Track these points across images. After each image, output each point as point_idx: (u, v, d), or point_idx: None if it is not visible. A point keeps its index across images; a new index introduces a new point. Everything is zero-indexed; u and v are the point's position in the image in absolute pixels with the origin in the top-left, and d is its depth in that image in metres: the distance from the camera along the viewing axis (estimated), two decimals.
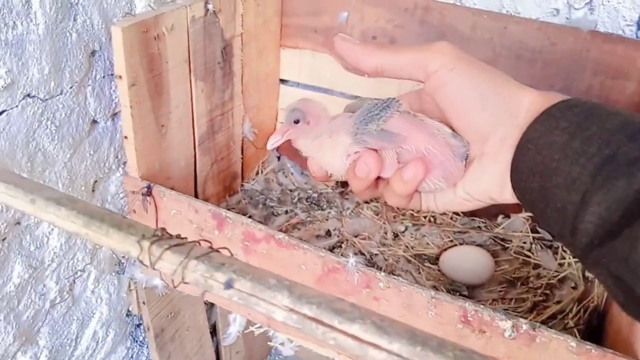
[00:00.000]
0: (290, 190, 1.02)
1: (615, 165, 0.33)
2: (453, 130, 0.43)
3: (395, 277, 0.63)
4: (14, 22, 0.51)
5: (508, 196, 0.42)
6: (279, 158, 1.05)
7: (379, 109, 0.43)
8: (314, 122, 0.45)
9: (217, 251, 0.39)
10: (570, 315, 0.81)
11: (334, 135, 0.44)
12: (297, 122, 0.45)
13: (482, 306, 0.60)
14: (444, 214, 0.99)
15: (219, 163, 0.87)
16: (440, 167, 0.43)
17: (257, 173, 1.02)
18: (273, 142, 0.47)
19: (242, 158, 0.95)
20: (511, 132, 0.39)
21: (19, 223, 0.62)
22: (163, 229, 0.41)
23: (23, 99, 0.55)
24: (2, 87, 0.52)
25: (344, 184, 1.04)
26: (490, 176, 0.42)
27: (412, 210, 1.00)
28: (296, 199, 1.00)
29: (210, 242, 0.40)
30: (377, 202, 1.01)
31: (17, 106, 0.55)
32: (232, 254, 0.39)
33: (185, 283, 0.38)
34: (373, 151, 0.42)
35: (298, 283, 0.35)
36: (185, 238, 0.40)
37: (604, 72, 0.82)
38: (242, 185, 0.98)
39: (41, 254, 0.66)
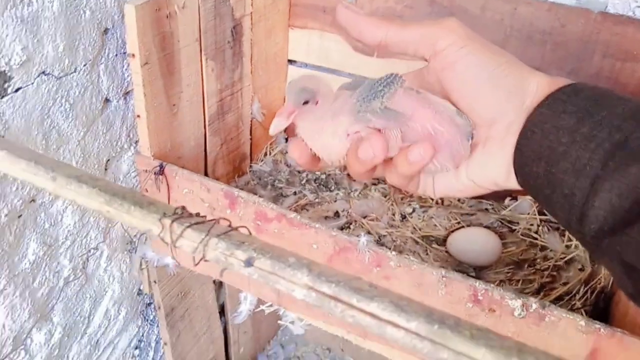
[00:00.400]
0: (299, 172, 1.02)
1: (627, 151, 0.32)
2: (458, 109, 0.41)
3: (406, 256, 0.64)
4: None
5: (513, 183, 0.40)
6: (286, 139, 1.05)
7: (382, 85, 0.40)
8: (322, 102, 0.41)
9: (237, 230, 0.40)
10: (577, 297, 0.82)
11: (336, 117, 0.40)
12: (306, 102, 0.41)
13: (492, 285, 0.61)
14: None
15: (228, 143, 0.88)
16: (447, 147, 0.41)
17: (266, 154, 1.02)
18: (277, 125, 0.41)
19: (250, 139, 0.95)
20: (518, 116, 0.38)
21: (34, 200, 0.62)
22: (183, 208, 0.41)
23: (38, 76, 0.56)
24: (18, 64, 0.53)
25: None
26: (496, 162, 0.40)
27: (407, 194, 1.00)
28: (304, 180, 1.00)
29: (229, 221, 0.41)
30: (385, 184, 1.01)
31: (32, 83, 0.55)
32: (250, 233, 0.40)
33: (206, 261, 0.38)
34: (379, 133, 0.40)
35: (316, 262, 0.35)
36: (205, 217, 0.41)
37: (613, 55, 0.82)
38: (250, 167, 0.99)
39: (55, 232, 0.67)
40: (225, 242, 0.37)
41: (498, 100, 0.39)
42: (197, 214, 0.41)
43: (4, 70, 0.52)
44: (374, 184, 1.02)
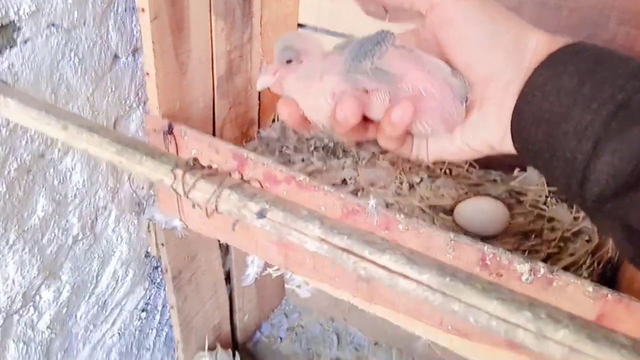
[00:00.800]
0: (307, 139, 1.02)
1: (630, 111, 0.31)
2: (453, 69, 0.39)
3: (414, 219, 0.64)
4: None
5: (509, 146, 0.39)
6: None
7: (373, 44, 0.39)
8: (307, 61, 0.40)
9: (248, 182, 0.39)
10: (584, 267, 0.81)
11: (324, 76, 0.39)
12: (289, 62, 0.40)
13: (500, 249, 0.61)
14: (459, 166, 0.98)
15: (236, 107, 0.87)
16: (438, 109, 0.39)
17: (274, 120, 1.02)
18: (262, 82, 0.41)
19: (259, 104, 0.94)
20: (517, 76, 0.37)
21: (43, 156, 0.62)
22: (195, 159, 0.41)
23: (47, 27, 0.55)
24: (27, 14, 0.52)
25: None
26: (492, 124, 0.39)
27: (415, 163, 0.99)
28: (312, 148, 1.00)
29: (241, 174, 0.40)
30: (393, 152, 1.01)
31: (41, 35, 0.55)
32: (262, 186, 0.39)
33: (219, 212, 0.38)
34: (351, 97, 0.38)
35: (328, 216, 0.35)
36: (217, 169, 0.40)
37: (629, 22, 0.81)
38: (258, 132, 0.98)
39: (64, 189, 0.67)
40: (238, 193, 0.37)
41: (495, 57, 0.37)
42: (209, 167, 0.41)
43: (13, 20, 0.52)
44: (382, 153, 1.01)
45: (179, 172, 0.38)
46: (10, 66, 0.53)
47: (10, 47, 0.53)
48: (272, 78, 0.40)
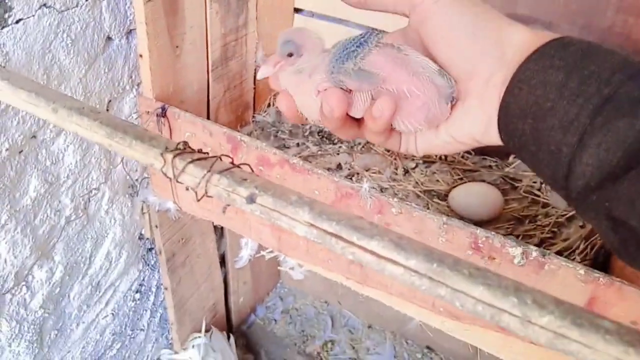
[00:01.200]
0: (302, 124, 1.01)
1: (616, 105, 0.32)
2: (440, 67, 0.40)
3: (407, 203, 0.64)
4: None
5: (493, 138, 0.39)
6: None
7: (356, 44, 0.40)
8: (306, 56, 0.41)
9: (239, 167, 0.39)
10: (577, 252, 0.82)
11: (313, 75, 0.40)
12: (290, 55, 0.41)
13: (492, 233, 0.61)
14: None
15: (231, 91, 0.87)
16: (422, 109, 0.40)
17: (269, 105, 1.02)
18: (263, 72, 0.42)
19: (254, 88, 0.94)
20: (498, 69, 0.37)
21: (35, 137, 0.62)
22: (185, 143, 0.41)
23: (39, 8, 0.54)
24: None
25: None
26: (474, 117, 0.40)
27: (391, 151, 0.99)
28: (307, 132, 1.00)
29: (231, 158, 0.40)
30: None
31: (33, 15, 0.54)
32: (252, 171, 0.39)
33: (209, 196, 0.38)
34: (334, 89, 0.39)
35: (318, 201, 0.35)
36: (207, 153, 0.40)
37: (627, 10, 0.80)
38: (253, 117, 0.98)
39: (57, 170, 0.66)
40: (228, 178, 0.37)
41: (475, 52, 0.38)
42: (200, 150, 0.41)
43: (5, 0, 0.51)
44: None
45: (169, 156, 0.38)
46: (2, 46, 0.53)
47: (2, 27, 0.52)
48: (272, 69, 0.41)
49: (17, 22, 0.53)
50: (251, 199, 0.35)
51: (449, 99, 0.40)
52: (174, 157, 0.37)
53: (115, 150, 0.38)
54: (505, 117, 0.37)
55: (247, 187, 0.35)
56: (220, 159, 0.39)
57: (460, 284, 0.30)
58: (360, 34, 0.40)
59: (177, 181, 0.36)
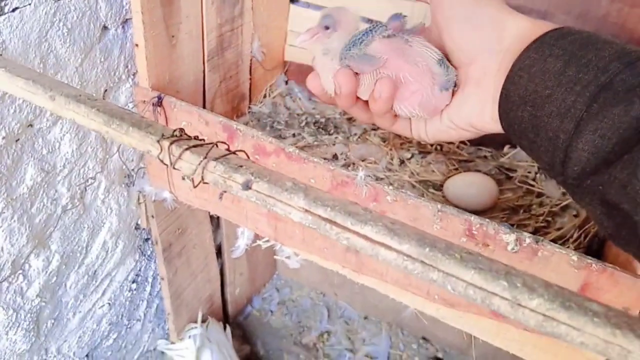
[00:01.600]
0: (298, 115, 1.02)
1: (612, 92, 0.32)
2: (447, 57, 0.43)
3: (402, 190, 0.64)
4: None
5: (490, 125, 0.41)
6: (286, 82, 1.05)
7: (363, 33, 0.44)
8: (339, 32, 0.46)
9: (235, 154, 0.40)
10: (571, 241, 0.83)
11: (334, 59, 0.45)
12: (327, 28, 0.46)
13: (486, 220, 0.62)
14: (450, 142, 0.99)
15: (227, 81, 0.87)
16: (416, 95, 0.43)
17: (265, 96, 1.02)
18: (301, 40, 0.47)
19: (250, 79, 0.94)
20: (495, 57, 0.39)
21: (31, 125, 0.62)
22: (182, 130, 0.41)
23: None
24: None
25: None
26: (471, 102, 0.42)
27: (406, 139, 1.00)
28: (304, 123, 1.00)
29: (227, 145, 0.41)
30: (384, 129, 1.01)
31: (29, 4, 0.54)
32: (248, 157, 0.40)
33: (205, 183, 0.39)
34: (345, 69, 0.44)
35: (313, 187, 0.36)
36: (203, 140, 0.41)
37: None
38: (249, 108, 0.98)
39: (53, 159, 0.67)
40: (224, 165, 0.38)
41: (474, 39, 0.40)
42: (196, 137, 0.41)
43: None
44: (374, 129, 1.01)
45: (166, 143, 0.38)
46: None
47: None
48: (309, 38, 0.46)
49: (14, 10, 0.53)
50: (247, 185, 0.35)
51: (445, 86, 0.43)
52: (171, 144, 0.38)
53: (112, 138, 0.38)
54: (506, 105, 0.38)
55: (243, 173, 0.36)
56: (217, 146, 0.39)
57: (452, 268, 0.31)
58: (369, 26, 0.44)
59: (174, 168, 0.37)
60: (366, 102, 0.46)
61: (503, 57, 0.39)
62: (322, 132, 1.00)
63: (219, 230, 1.11)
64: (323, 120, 1.02)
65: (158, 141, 0.37)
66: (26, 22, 0.55)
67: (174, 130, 0.38)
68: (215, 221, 1.08)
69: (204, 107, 0.84)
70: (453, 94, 0.44)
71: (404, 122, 0.48)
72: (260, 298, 1.41)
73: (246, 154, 0.41)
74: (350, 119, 1.03)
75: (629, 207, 0.32)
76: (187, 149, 0.37)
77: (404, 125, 0.48)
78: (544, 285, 0.30)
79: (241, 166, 0.36)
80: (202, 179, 0.36)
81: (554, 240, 0.82)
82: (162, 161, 0.37)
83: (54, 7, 0.57)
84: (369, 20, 0.96)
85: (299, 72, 1.04)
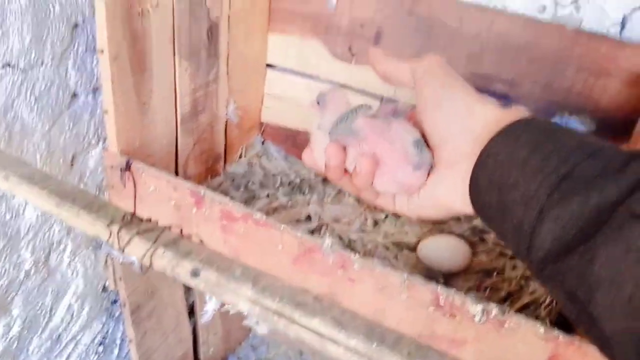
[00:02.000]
0: (273, 175, 1.02)
1: (572, 182, 0.34)
2: (425, 139, 0.46)
3: (369, 258, 0.64)
4: None
5: (462, 207, 0.43)
6: (263, 142, 1.06)
7: (349, 112, 0.48)
8: (329, 110, 0.51)
9: (189, 238, 0.40)
10: (544, 306, 0.82)
11: (325, 134, 0.49)
12: (318, 103, 0.51)
13: (453, 290, 0.61)
14: None
15: (201, 144, 0.87)
16: (389, 173, 0.46)
17: (240, 156, 1.02)
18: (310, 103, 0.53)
19: (225, 140, 0.95)
20: (466, 141, 0.41)
21: None
22: (133, 214, 0.42)
23: (2, 67, 0.55)
24: None
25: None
26: (446, 184, 0.44)
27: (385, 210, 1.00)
28: (278, 183, 1.01)
29: (180, 228, 0.41)
30: None
31: None
32: (202, 241, 0.40)
33: (153, 269, 0.39)
34: (334, 143, 0.48)
35: (266, 274, 0.36)
36: (156, 222, 0.41)
37: (587, 70, 0.83)
38: (224, 168, 0.99)
39: (17, 224, 0.66)
40: (172, 251, 0.38)
41: (445, 124, 0.42)
42: (148, 220, 0.42)
43: None
44: None
45: (115, 227, 0.38)
46: None
47: None
48: (310, 107, 0.52)
49: None
50: (195, 273, 0.35)
51: (417, 166, 0.45)
52: (120, 228, 0.38)
53: (64, 220, 0.38)
54: (476, 190, 0.40)
55: (191, 260, 0.36)
56: (169, 229, 0.39)
57: None
58: (356, 106, 0.49)
59: (123, 252, 0.37)
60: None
61: (474, 142, 0.41)
62: (296, 193, 1.00)
63: (191, 290, 1.09)
64: (298, 180, 1.03)
65: (107, 225, 0.37)
66: None
67: (125, 214, 0.38)
68: None
69: (177, 169, 0.85)
70: (429, 174, 0.47)
71: (387, 197, 0.50)
72: (236, 357, 1.38)
73: (200, 237, 0.41)
74: (325, 180, 1.04)
75: (584, 298, 0.32)
76: (136, 234, 0.37)
77: (387, 201, 0.50)
78: None
79: (191, 252, 0.36)
80: (151, 264, 0.36)
81: (527, 304, 0.82)
82: (112, 246, 0.37)
83: (21, 77, 0.58)
84: (341, 85, 0.98)
85: (276, 133, 1.05)
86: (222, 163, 0.97)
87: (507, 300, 0.84)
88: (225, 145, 0.95)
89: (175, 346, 1.09)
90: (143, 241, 0.34)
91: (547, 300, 0.83)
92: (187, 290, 1.08)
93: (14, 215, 0.65)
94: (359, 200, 1.00)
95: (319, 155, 0.50)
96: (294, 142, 1.05)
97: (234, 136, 0.96)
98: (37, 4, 0.57)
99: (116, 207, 0.37)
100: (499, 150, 0.38)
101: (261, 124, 1.04)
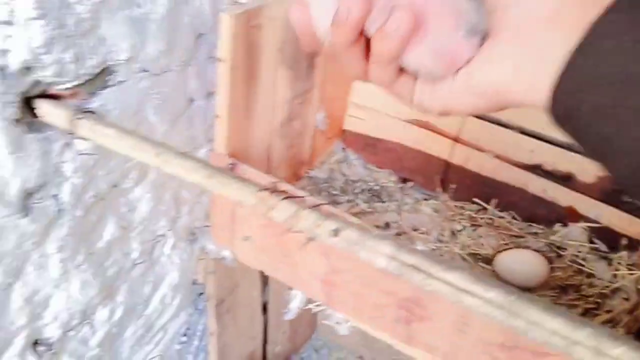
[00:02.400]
0: (353, 181, 1.05)
1: None
2: None
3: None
4: (142, 1, 0.56)
5: (522, 96, 0.31)
6: (344, 149, 1.09)
7: None
8: None
9: (324, 205, 0.44)
10: (621, 325, 0.82)
11: None
12: None
13: None
14: (501, 216, 1.00)
15: (292, 149, 0.91)
16: (430, 36, 0.32)
17: (323, 162, 1.06)
18: None
19: (311, 146, 0.99)
20: (544, 2, 0.29)
21: (116, 186, 0.67)
22: (275, 184, 0.46)
23: (139, 72, 0.60)
24: (125, 59, 0.57)
25: (405, 180, 1.07)
26: (503, 58, 0.31)
27: (456, 207, 1.01)
28: (358, 190, 1.04)
29: (318, 200, 0.45)
30: (437, 200, 1.03)
31: (133, 79, 0.60)
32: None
33: (297, 231, 0.42)
34: None
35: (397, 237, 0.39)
36: (293, 193, 0.45)
37: None
38: (307, 172, 1.02)
39: (132, 216, 0.71)
40: (315, 214, 0.41)
41: None
42: (285, 191, 0.46)
43: (109, 66, 0.57)
44: (425, 199, 1.04)
45: (263, 194, 0.42)
46: (102, 105, 0.58)
47: (104, 88, 0.58)
48: None
49: (118, 84, 0.59)
50: (336, 232, 0.39)
51: (473, 30, 0.32)
52: (269, 194, 0.42)
53: (214, 189, 0.43)
54: (571, 84, 0.28)
55: (332, 221, 0.39)
56: (304, 200, 0.43)
57: (536, 316, 0.32)
58: None
59: (271, 215, 0.41)
60: (367, 46, 0.34)
61: (562, 4, 0.28)
62: (375, 200, 1.03)
63: (266, 288, 1.13)
64: (377, 187, 1.05)
65: (257, 192, 0.41)
66: (128, 95, 0.60)
67: (268, 184, 0.43)
68: (264, 279, 1.11)
69: (269, 171, 0.89)
70: (479, 44, 0.32)
71: (407, 80, 0.36)
72: (299, 358, 1.42)
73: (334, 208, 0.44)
74: (402, 188, 1.06)
75: None
76: (283, 199, 0.41)
77: (406, 86, 0.36)
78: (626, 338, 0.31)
79: (332, 214, 0.39)
80: (295, 225, 0.40)
81: (603, 323, 0.82)
82: (260, 209, 0.41)
83: (152, 81, 0.63)
84: None
85: (356, 141, 1.08)
86: (305, 167, 1.01)
87: (584, 316, 0.84)
88: (312, 151, 0.99)
89: (247, 342, 1.13)
90: (289, 205, 0.38)
91: (625, 320, 0.83)
92: (263, 289, 1.12)
93: (130, 209, 0.70)
94: (436, 210, 1.01)
95: (319, 10, 0.34)
96: (373, 150, 1.07)
97: (319, 143, 1.00)
98: (173, 14, 0.61)
99: (256, 182, 0.42)
100: (621, 28, 0.26)
101: (343, 131, 1.07)
